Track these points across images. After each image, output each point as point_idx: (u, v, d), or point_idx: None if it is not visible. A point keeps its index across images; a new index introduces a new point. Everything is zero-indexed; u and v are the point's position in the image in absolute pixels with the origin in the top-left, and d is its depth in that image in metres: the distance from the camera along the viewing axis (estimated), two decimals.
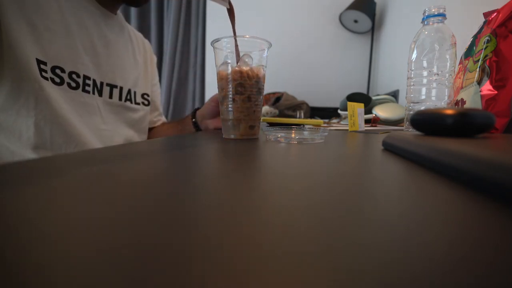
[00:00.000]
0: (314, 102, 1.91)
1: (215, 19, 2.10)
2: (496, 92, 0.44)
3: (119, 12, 0.68)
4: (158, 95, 0.84)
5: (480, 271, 0.06)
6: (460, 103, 0.52)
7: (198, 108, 0.71)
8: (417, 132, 0.28)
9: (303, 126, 0.74)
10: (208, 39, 2.11)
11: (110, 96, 0.62)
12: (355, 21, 1.90)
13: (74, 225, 0.09)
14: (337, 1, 1.97)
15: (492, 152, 0.15)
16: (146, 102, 0.74)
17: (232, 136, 0.41)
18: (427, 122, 0.26)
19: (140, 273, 0.06)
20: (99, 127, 0.59)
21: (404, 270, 0.06)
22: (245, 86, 0.39)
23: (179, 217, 0.10)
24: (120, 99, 0.65)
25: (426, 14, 0.55)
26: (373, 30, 1.89)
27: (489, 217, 0.10)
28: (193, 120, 0.70)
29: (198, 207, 0.11)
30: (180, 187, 0.14)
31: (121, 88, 0.64)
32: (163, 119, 0.88)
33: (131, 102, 0.68)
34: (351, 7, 1.77)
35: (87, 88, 0.56)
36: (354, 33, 2.00)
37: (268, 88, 1.91)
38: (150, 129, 0.83)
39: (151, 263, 0.07)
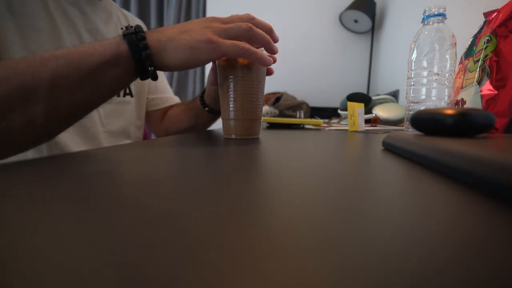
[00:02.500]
0: (314, 102, 1.91)
1: None
2: (496, 92, 0.44)
3: None
4: (158, 77, 0.76)
5: (480, 271, 0.06)
6: (460, 103, 0.52)
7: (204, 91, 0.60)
8: (417, 132, 0.27)
9: (303, 126, 0.74)
10: None
11: None
12: (355, 21, 1.90)
13: (80, 227, 0.09)
14: (337, 1, 1.98)
15: (492, 152, 0.15)
16: (128, 92, 0.65)
17: (233, 136, 0.40)
18: (427, 122, 0.26)
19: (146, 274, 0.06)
20: (98, 137, 0.56)
21: (404, 269, 0.06)
22: (249, 66, 0.37)
23: (178, 218, 0.10)
24: (118, 95, 0.60)
25: (426, 14, 0.55)
26: (373, 30, 1.89)
27: (489, 217, 0.10)
28: (201, 101, 0.59)
29: (199, 209, 0.11)
30: (181, 189, 0.14)
31: None
32: (175, 98, 0.76)
33: (131, 96, 0.63)
34: (351, 7, 1.77)
35: None
36: (354, 33, 2.00)
37: (268, 88, 1.91)
38: (158, 113, 0.73)
39: (163, 263, 0.07)
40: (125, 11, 0.67)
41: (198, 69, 2.15)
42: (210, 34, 0.34)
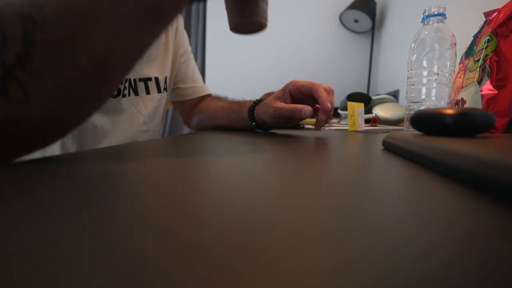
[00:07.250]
0: None
1: (215, 19, 2.10)
2: (496, 91, 0.44)
3: None
4: (189, 66, 0.69)
5: (480, 271, 0.06)
6: (460, 103, 0.52)
7: (261, 100, 0.55)
8: (417, 132, 0.27)
9: (303, 125, 0.74)
10: (208, 39, 2.11)
11: (148, 92, 0.55)
12: (356, 21, 1.90)
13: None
14: (337, 1, 1.97)
15: (492, 152, 0.15)
16: (166, 87, 0.63)
17: (242, 20, 0.35)
18: (427, 122, 0.26)
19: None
20: (140, 131, 0.55)
21: (404, 269, 0.06)
22: None
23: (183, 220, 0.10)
24: (159, 91, 0.57)
25: (426, 13, 0.55)
26: (373, 30, 1.89)
27: (489, 217, 0.10)
28: (250, 114, 0.54)
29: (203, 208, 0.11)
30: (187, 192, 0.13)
31: (156, 79, 0.56)
32: (206, 88, 0.71)
33: (166, 91, 0.60)
34: (352, 6, 1.77)
35: (124, 91, 0.49)
36: (355, 32, 2.00)
37: (268, 88, 1.91)
38: (189, 103, 0.69)
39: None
40: None
41: (199, 66, 2.15)
42: None
